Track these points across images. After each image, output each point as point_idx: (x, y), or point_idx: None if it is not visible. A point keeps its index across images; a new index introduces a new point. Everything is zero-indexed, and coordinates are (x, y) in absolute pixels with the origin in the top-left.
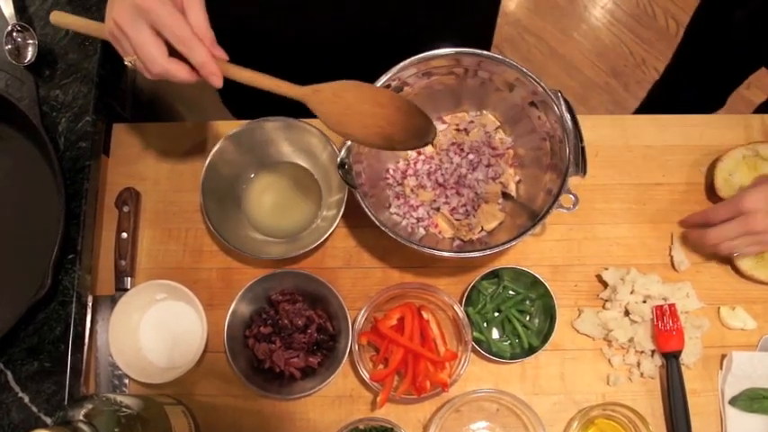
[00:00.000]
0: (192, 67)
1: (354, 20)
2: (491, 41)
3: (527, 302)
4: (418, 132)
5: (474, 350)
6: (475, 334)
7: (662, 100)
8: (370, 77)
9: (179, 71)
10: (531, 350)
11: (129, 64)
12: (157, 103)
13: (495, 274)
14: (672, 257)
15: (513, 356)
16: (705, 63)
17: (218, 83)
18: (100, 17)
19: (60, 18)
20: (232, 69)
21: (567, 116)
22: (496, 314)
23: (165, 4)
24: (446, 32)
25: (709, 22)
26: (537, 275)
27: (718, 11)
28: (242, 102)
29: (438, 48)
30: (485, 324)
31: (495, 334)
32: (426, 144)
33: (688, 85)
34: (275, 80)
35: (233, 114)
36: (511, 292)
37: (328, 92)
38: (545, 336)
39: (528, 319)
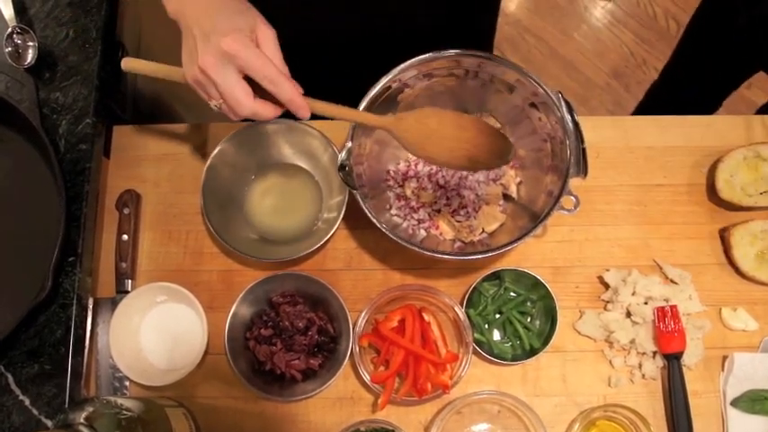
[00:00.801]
0: (276, 103)
1: (354, 20)
2: (492, 42)
3: (528, 304)
4: (500, 152)
5: (475, 352)
6: (476, 335)
7: (661, 100)
8: (371, 78)
9: (266, 111)
10: (533, 352)
11: (216, 108)
12: (158, 105)
13: (496, 276)
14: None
15: (515, 358)
16: (705, 65)
17: (306, 115)
18: (100, 19)
19: (133, 64)
20: (313, 103)
21: (568, 117)
22: (498, 316)
23: (250, 48)
24: (446, 33)
25: (709, 26)
26: (538, 277)
27: (719, 15)
28: None
29: (439, 49)
30: (486, 326)
31: (497, 335)
32: (507, 162)
33: (687, 86)
34: (359, 112)
35: None
36: (512, 294)
37: (411, 119)
38: (546, 337)
39: (529, 320)
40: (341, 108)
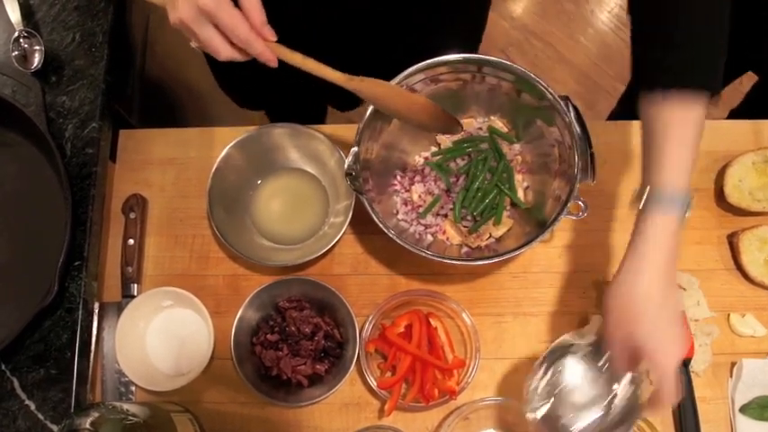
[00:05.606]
0: None
1: (359, 21)
2: (482, 32)
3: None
4: (446, 126)
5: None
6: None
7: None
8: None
9: (241, 56)
10: None
11: (196, 47)
12: (164, 108)
13: None
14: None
15: None
16: None
17: (273, 65)
18: (106, 23)
19: None
20: (284, 52)
21: (576, 122)
22: None
23: (223, 8)
24: (447, 35)
25: None
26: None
27: None
28: (241, 90)
29: (445, 53)
30: None
31: None
32: (455, 133)
33: None
34: (322, 66)
35: (234, 102)
36: None
37: (370, 81)
38: None
39: None
40: (307, 60)
